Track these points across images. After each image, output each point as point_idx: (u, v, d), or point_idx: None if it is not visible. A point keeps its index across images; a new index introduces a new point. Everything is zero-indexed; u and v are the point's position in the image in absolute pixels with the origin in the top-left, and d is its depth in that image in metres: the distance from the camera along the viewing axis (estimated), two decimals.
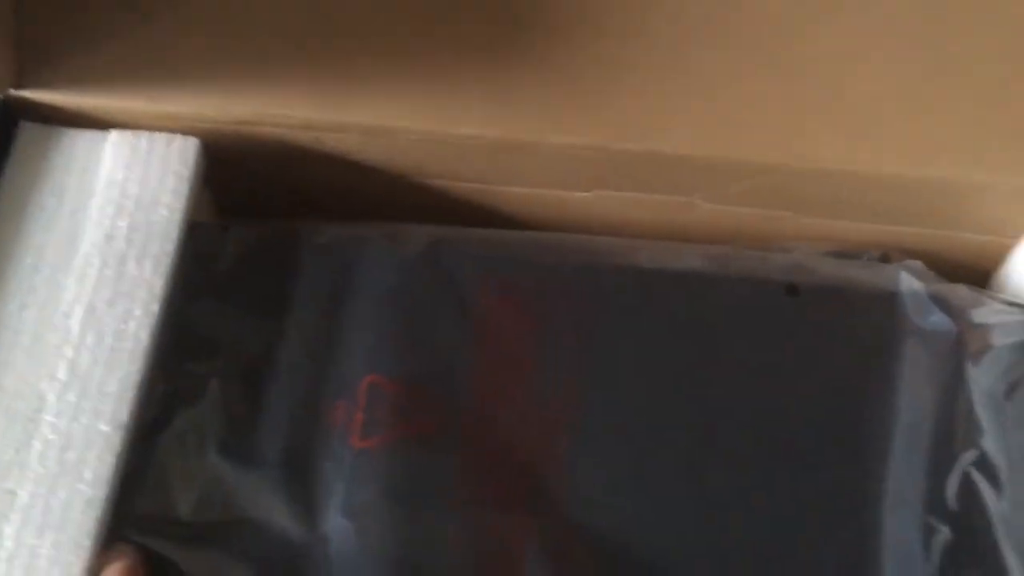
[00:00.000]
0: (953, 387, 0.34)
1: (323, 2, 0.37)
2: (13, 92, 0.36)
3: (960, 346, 0.35)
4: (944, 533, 0.32)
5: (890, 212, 0.39)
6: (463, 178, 0.40)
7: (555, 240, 0.38)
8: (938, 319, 0.35)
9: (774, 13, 0.38)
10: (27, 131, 0.36)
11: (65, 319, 0.33)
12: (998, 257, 0.39)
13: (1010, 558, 0.31)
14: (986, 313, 0.36)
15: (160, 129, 0.36)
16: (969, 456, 0.33)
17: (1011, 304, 0.36)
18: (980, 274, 0.39)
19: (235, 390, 0.33)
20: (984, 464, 0.33)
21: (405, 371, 0.34)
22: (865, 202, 0.38)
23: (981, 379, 0.34)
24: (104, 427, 0.32)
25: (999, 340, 0.35)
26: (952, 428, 0.33)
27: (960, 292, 0.36)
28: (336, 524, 0.32)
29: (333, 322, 0.35)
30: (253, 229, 0.37)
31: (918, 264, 0.37)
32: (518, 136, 0.37)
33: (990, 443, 0.33)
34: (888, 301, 0.36)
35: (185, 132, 0.36)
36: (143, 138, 0.36)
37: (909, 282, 0.36)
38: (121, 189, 0.35)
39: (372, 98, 0.37)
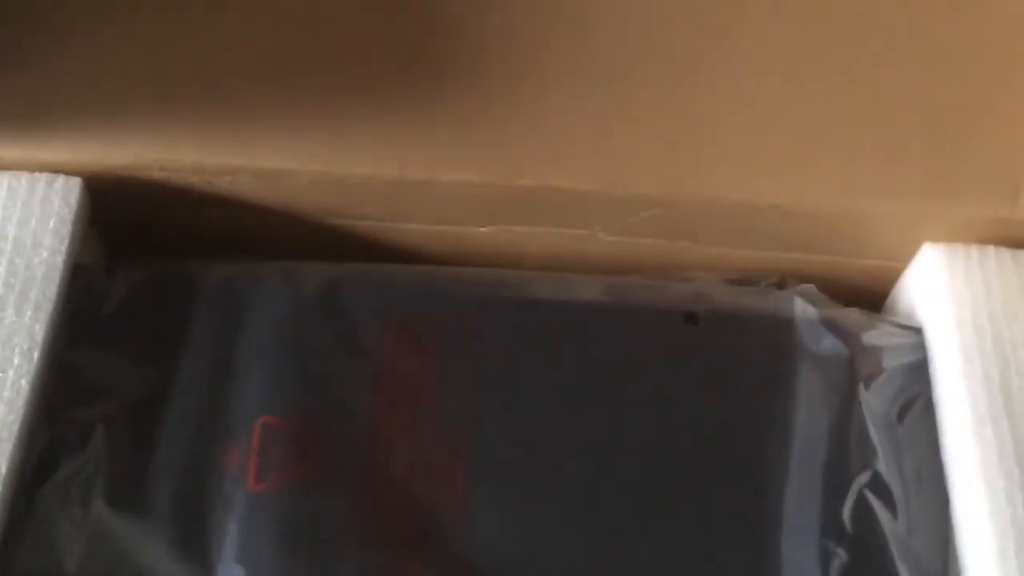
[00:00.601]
0: (847, 410, 0.34)
1: (208, 45, 0.37)
2: None
3: (852, 369, 0.35)
4: (841, 556, 0.32)
5: (785, 239, 0.39)
6: (360, 216, 0.39)
7: (452, 274, 0.37)
8: (831, 343, 0.36)
9: (668, 49, 0.38)
10: None
11: None
12: (890, 281, 0.40)
13: None
14: (877, 336, 0.36)
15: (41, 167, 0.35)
16: (864, 478, 0.33)
17: (901, 327, 0.37)
18: (875, 297, 0.40)
19: (122, 436, 0.32)
20: (878, 486, 0.33)
21: (299, 411, 0.33)
22: (760, 230, 0.39)
23: (873, 401, 0.34)
24: None
25: (890, 362, 0.35)
26: (847, 451, 0.34)
27: (852, 316, 0.37)
28: (231, 573, 0.30)
29: (224, 363, 0.34)
30: (139, 270, 0.36)
31: (811, 289, 0.37)
32: (413, 175, 0.37)
33: (883, 465, 0.33)
34: (783, 327, 0.36)
35: (68, 174, 0.35)
36: (23, 178, 0.35)
37: (803, 308, 0.37)
38: (0, 231, 0.34)
39: (263, 140, 0.36)
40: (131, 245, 0.38)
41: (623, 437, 0.34)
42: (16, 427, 0.31)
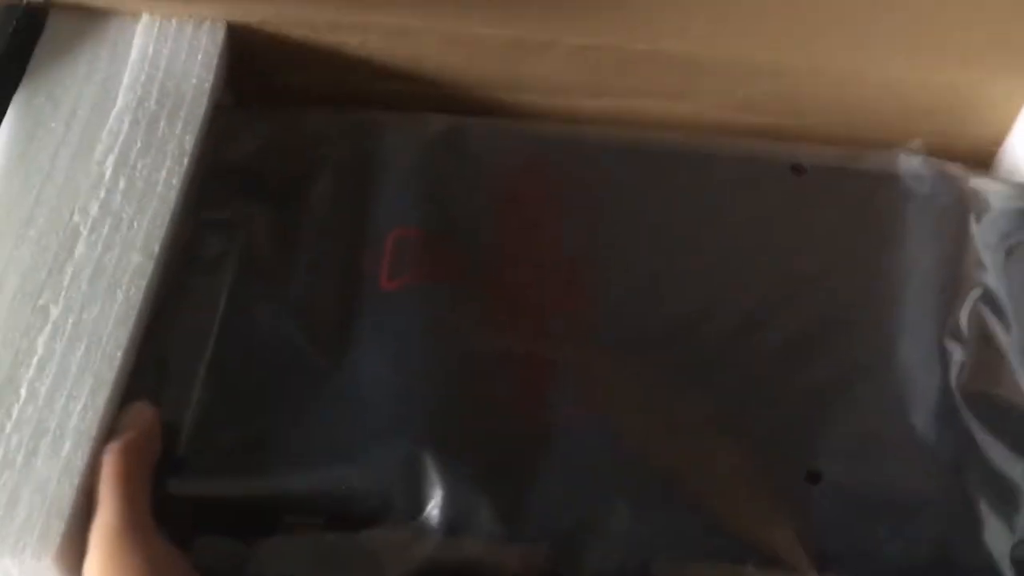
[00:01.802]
0: (960, 237, 0.35)
1: None
2: None
3: (963, 204, 0.36)
4: (959, 352, 0.33)
5: (893, 112, 0.41)
6: (479, 84, 0.41)
7: (570, 130, 0.39)
8: (939, 186, 0.37)
9: None
10: (57, 17, 0.37)
11: (98, 166, 0.34)
12: (995, 150, 0.41)
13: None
14: (984, 183, 0.37)
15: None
16: (977, 293, 0.34)
17: (1005, 181, 0.38)
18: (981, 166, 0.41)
19: (261, 237, 0.34)
20: (991, 300, 0.34)
21: (431, 223, 0.35)
22: (868, 105, 0.40)
23: (984, 233, 0.35)
24: (136, 257, 0.32)
25: (998, 204, 0.37)
26: (961, 269, 0.35)
27: (958, 169, 0.38)
28: (366, 350, 0.32)
29: (359, 186, 0.35)
30: (279, 113, 0.38)
31: (917, 144, 0.39)
32: (533, 36, 0.39)
33: (994, 284, 0.34)
34: (890, 176, 0.37)
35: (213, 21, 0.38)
36: (173, 21, 0.38)
37: (908, 162, 0.38)
38: (152, 62, 0.36)
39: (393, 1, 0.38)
40: (261, 100, 0.40)
41: (738, 276, 0.35)
42: (167, 216, 0.33)
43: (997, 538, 0.30)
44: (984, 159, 0.41)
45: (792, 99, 0.40)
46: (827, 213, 0.37)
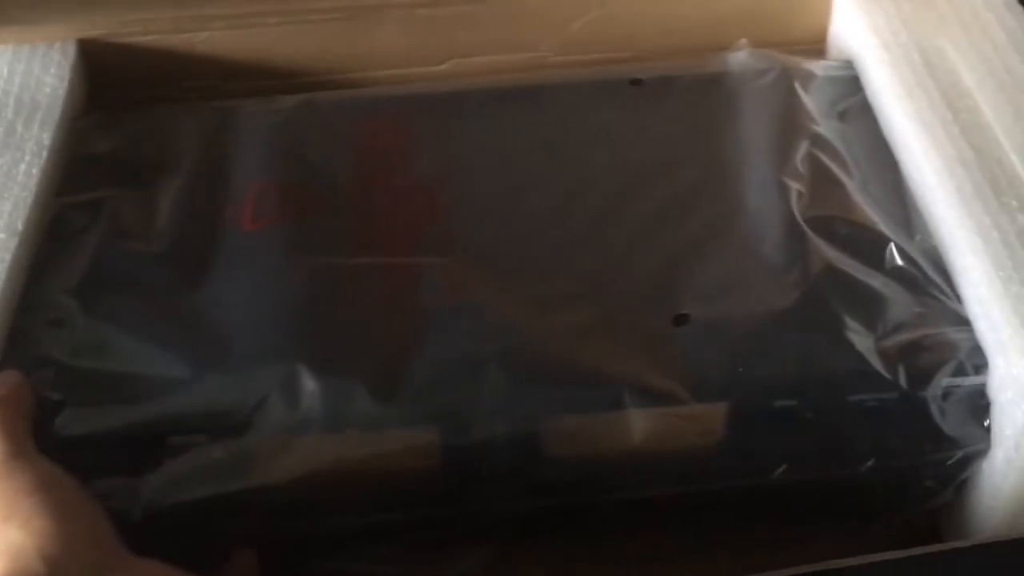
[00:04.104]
0: (789, 103, 0.37)
1: None
2: None
3: (788, 76, 0.38)
4: (796, 185, 0.34)
5: (714, 25, 0.43)
6: (325, 70, 0.43)
7: (414, 86, 0.41)
8: (765, 68, 0.39)
9: None
10: None
11: None
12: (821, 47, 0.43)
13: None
14: (809, 63, 0.40)
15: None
16: (807, 141, 0.36)
17: (831, 61, 0.40)
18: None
19: (126, 208, 0.35)
20: (822, 144, 0.36)
21: (290, 176, 0.36)
22: (690, 24, 0.43)
23: (812, 97, 0.38)
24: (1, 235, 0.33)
25: (822, 72, 0.39)
26: (793, 126, 0.36)
27: (785, 57, 0.40)
28: (230, 276, 0.32)
29: (215, 162, 0.37)
30: (139, 113, 0.39)
31: (744, 43, 0.41)
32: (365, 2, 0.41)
33: (825, 132, 0.36)
34: (722, 75, 0.39)
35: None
36: (26, 47, 0.40)
37: (737, 57, 0.40)
38: (8, 80, 0.38)
39: None
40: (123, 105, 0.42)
41: (590, 178, 0.36)
42: (29, 201, 0.34)
43: (861, 337, 0.31)
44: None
45: (622, 26, 0.43)
46: (667, 112, 0.38)
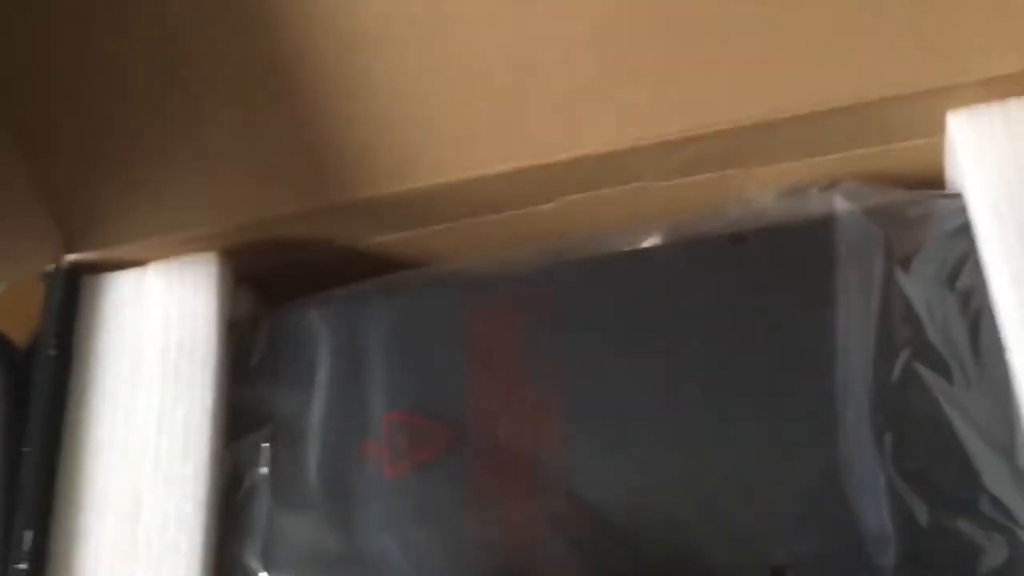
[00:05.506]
0: (886, 293, 0.37)
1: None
2: (69, 257, 0.44)
3: (888, 252, 0.37)
4: (893, 427, 0.35)
5: (826, 143, 0.41)
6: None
7: (525, 254, 0.43)
8: (867, 231, 0.38)
9: None
10: (85, 282, 0.45)
11: (143, 428, 0.41)
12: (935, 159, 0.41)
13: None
14: (918, 209, 0.38)
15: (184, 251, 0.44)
16: (908, 351, 0.36)
17: (940, 195, 0.39)
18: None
19: (282, 450, 0.40)
20: (926, 354, 0.35)
21: (414, 403, 0.40)
22: (794, 139, 0.41)
23: (915, 277, 0.37)
24: (187, 507, 0.39)
25: (932, 232, 0.37)
26: (889, 331, 0.36)
27: (893, 195, 0.39)
28: (375, 539, 0.38)
29: (350, 376, 0.41)
30: (278, 315, 0.44)
31: (851, 184, 0.39)
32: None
33: (931, 334, 0.36)
34: (824, 227, 0.39)
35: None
36: (175, 264, 0.44)
37: (841, 203, 0.39)
38: (164, 309, 0.43)
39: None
40: (282, 292, 0.46)
41: (690, 363, 0.38)
42: (205, 453, 0.40)
43: None
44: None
45: (728, 153, 0.42)
46: (767, 282, 0.39)
